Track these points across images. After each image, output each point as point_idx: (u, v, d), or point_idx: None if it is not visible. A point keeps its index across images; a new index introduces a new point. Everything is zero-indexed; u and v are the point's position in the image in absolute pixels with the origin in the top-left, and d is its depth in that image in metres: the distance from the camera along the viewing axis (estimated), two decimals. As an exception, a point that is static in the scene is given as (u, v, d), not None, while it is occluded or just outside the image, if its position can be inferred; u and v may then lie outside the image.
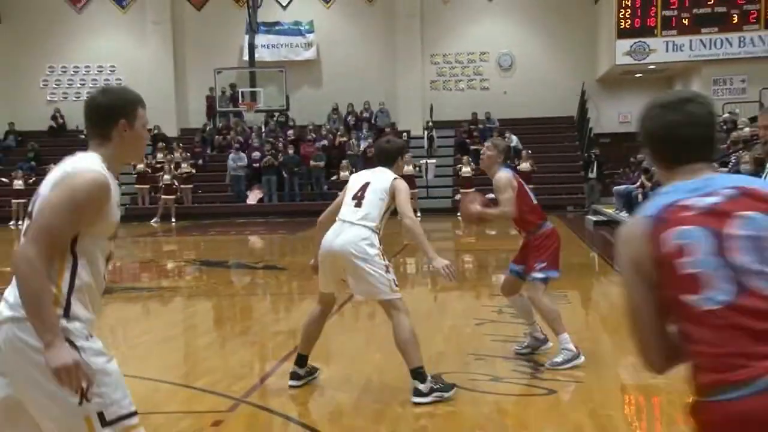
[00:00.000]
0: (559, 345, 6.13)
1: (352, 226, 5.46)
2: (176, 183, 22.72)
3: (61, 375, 2.61)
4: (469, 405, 5.14)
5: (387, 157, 5.90)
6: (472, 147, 23.93)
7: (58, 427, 2.76)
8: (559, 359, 6.06)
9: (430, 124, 25.93)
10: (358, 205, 5.53)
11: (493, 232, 16.30)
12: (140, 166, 22.67)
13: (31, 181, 21.99)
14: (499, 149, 6.52)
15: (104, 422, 2.73)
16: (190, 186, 23.67)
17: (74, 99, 27.19)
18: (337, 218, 5.61)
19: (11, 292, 2.74)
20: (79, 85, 27.61)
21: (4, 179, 23.13)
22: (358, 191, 5.61)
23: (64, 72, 27.66)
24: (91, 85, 27.26)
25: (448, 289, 10.73)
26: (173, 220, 22.31)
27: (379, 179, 5.64)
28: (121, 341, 7.50)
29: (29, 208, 2.86)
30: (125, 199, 21.84)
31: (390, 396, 5.31)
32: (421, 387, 5.12)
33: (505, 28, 26.36)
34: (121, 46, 27.51)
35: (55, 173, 2.84)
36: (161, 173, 22.87)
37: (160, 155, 24.11)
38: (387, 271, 5.27)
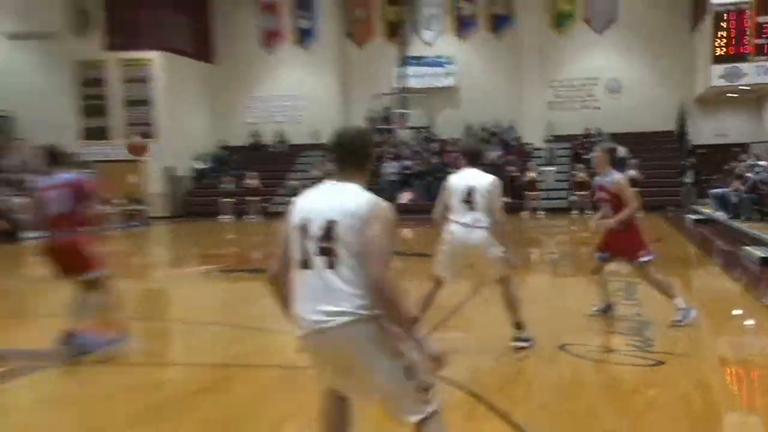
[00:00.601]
0: (677, 306, 5.96)
1: (475, 229, 5.31)
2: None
3: (436, 360, 2.71)
4: (589, 374, 5.00)
5: (477, 157, 5.63)
6: (585, 156, 22.90)
7: (395, 397, 2.72)
8: (679, 317, 5.91)
9: (550, 138, 24.88)
10: (472, 208, 5.32)
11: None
12: (316, 172, 22.94)
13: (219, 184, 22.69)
14: (604, 151, 6.39)
15: (424, 389, 2.71)
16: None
17: (267, 122, 27.09)
18: (453, 219, 5.40)
19: (346, 300, 2.61)
20: (271, 111, 27.26)
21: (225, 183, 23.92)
22: (467, 196, 5.35)
23: (261, 100, 27.25)
24: (281, 111, 27.05)
25: (567, 275, 10.46)
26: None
27: (481, 182, 5.35)
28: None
29: (320, 231, 2.64)
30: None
31: (523, 361, 5.20)
32: (520, 333, 5.37)
33: (613, 57, 24.81)
34: (303, 79, 27.07)
35: (348, 203, 2.67)
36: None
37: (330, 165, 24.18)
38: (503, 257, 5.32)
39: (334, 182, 2.78)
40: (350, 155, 2.82)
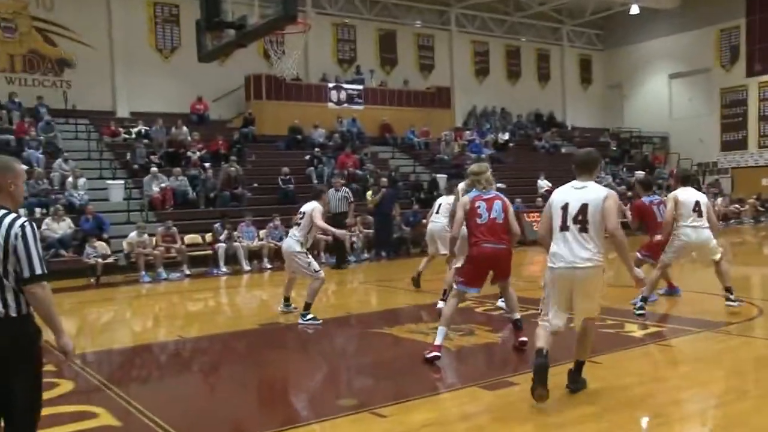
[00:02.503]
0: None
1: (703, 230, 8.73)
2: None
3: (640, 281, 5.37)
4: None
5: (688, 180, 9.15)
6: None
7: (593, 311, 5.31)
8: None
9: None
10: (700, 215, 8.69)
11: None
12: None
13: None
14: None
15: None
16: None
17: None
18: (684, 224, 8.73)
19: (590, 251, 5.07)
20: None
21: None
22: (695, 206, 8.65)
23: None
24: None
25: None
26: None
27: (704, 198, 8.83)
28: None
29: (576, 209, 5.12)
30: None
31: None
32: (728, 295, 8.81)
33: None
34: None
35: (599, 192, 5.13)
36: None
37: None
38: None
39: (579, 182, 5.26)
40: (587, 166, 5.28)
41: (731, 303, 8.77)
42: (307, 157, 22.80)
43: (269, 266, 16.87)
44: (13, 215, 3.45)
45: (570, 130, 34.83)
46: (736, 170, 33.24)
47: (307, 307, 9.15)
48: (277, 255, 17.16)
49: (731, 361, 6.62)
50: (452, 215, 9.56)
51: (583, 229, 5.09)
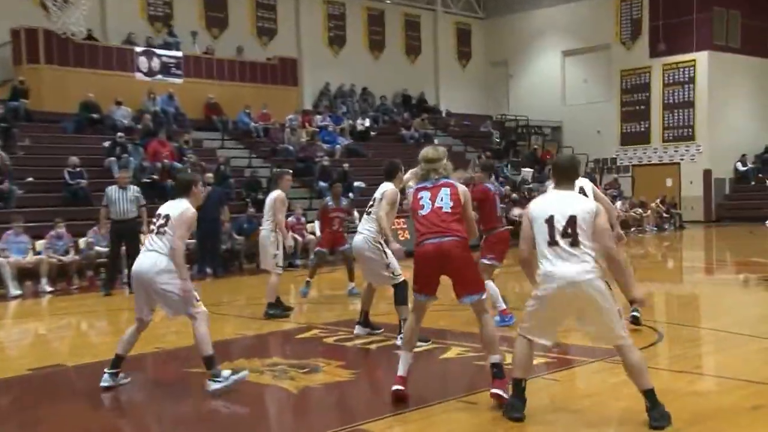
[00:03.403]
0: None
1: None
2: None
3: (641, 300, 6.59)
4: None
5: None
6: None
7: (610, 328, 5.68)
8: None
9: None
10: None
11: None
12: None
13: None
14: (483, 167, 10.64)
15: (624, 328, 5.80)
16: None
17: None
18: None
19: (582, 266, 5.53)
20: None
21: None
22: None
23: None
24: None
25: None
26: None
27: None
28: None
29: (564, 222, 5.63)
30: None
31: None
32: None
33: None
34: None
35: (586, 204, 5.82)
36: None
37: None
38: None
39: (559, 191, 5.90)
40: (567, 173, 5.99)
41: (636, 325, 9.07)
42: (107, 144, 21.79)
43: (49, 289, 15.83)
44: None
45: (445, 117, 35.29)
46: (637, 168, 34.63)
47: (211, 362, 7.17)
48: (60, 274, 16.08)
49: (628, 396, 6.54)
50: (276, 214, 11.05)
51: (575, 243, 5.62)
